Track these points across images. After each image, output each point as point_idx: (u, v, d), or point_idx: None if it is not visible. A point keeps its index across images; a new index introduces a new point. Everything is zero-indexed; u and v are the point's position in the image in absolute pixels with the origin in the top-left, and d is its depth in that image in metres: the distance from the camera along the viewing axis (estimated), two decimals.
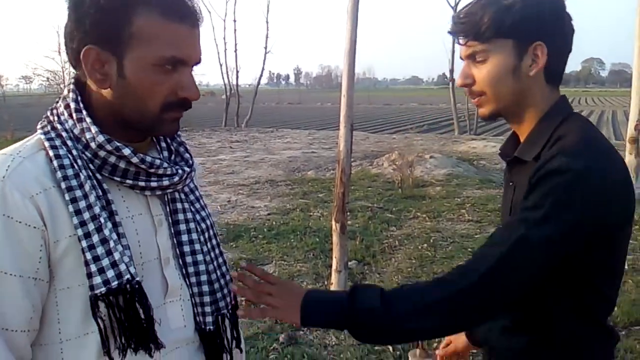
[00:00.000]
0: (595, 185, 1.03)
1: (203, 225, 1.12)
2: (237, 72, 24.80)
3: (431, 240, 5.82)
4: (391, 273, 4.81)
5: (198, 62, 1.00)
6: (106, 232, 0.92)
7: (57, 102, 1.01)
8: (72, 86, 1.00)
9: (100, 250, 0.91)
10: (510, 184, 1.24)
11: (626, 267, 4.83)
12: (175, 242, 1.07)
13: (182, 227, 1.08)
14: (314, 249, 5.44)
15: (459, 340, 1.57)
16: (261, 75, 24.98)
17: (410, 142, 11.00)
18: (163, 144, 1.10)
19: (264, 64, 23.72)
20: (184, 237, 1.08)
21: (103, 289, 0.91)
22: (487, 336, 1.30)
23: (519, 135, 1.23)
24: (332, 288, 4.22)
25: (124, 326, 0.94)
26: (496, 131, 23.76)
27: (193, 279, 1.08)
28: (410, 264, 5.07)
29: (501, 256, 1.05)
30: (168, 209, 1.07)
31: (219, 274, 1.12)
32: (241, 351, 1.21)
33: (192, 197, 1.13)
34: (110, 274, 0.92)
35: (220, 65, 24.39)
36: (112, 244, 0.92)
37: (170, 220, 1.07)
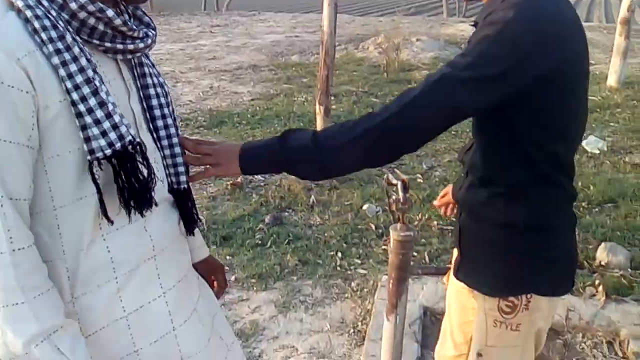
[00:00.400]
0: (521, 35, 1.06)
1: (163, 91, 1.12)
2: None
3: None
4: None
5: None
6: (103, 95, 0.91)
7: None
8: None
9: (99, 113, 0.90)
10: None
11: (605, 148, 4.94)
12: (145, 106, 1.07)
13: (151, 91, 1.08)
14: None
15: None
16: None
17: (397, 25, 10.60)
18: (122, 7, 1.03)
19: None
20: (154, 102, 1.08)
21: (108, 151, 0.91)
22: (457, 193, 1.39)
23: None
24: None
25: (126, 187, 0.95)
26: None
27: (165, 142, 1.10)
28: None
29: (420, 90, 1.11)
30: (135, 74, 1.05)
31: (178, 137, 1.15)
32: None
33: (149, 62, 1.12)
34: (112, 136, 0.91)
35: None
36: (110, 107, 0.91)
37: (139, 85, 1.06)
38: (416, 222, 3.58)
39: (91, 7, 0.90)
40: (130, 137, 0.93)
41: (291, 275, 3.07)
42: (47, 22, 0.87)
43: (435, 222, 3.59)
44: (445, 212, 1.74)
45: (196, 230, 1.27)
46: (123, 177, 0.94)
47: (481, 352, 1.35)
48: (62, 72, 0.87)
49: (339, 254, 3.25)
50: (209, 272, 1.36)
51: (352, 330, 2.61)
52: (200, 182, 4.45)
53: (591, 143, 5.00)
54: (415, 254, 3.21)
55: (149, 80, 1.07)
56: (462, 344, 1.42)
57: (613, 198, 3.91)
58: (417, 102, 1.11)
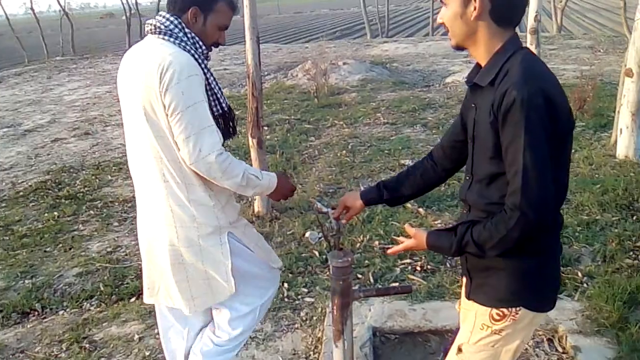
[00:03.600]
0: (541, 105, 1.32)
1: None
2: None
3: (349, 147, 5.93)
4: (313, 182, 4.91)
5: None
6: (219, 87, 1.98)
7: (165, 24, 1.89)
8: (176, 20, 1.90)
9: (220, 93, 1.96)
10: (473, 105, 1.52)
11: None
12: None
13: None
14: None
15: (355, 204, 1.90)
16: None
17: (323, 50, 10.82)
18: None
19: None
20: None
21: (222, 110, 1.98)
22: (465, 195, 1.61)
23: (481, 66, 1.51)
24: (256, 202, 4.28)
25: (231, 124, 2.06)
26: (407, 32, 23.84)
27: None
28: (331, 172, 5.18)
29: (526, 184, 1.34)
30: None
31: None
32: None
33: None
34: (225, 104, 1.99)
35: None
36: (222, 92, 1.99)
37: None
38: (358, 244, 3.64)
39: (206, 51, 1.94)
40: (228, 104, 2.02)
41: None
42: (201, 59, 1.88)
43: (376, 242, 3.66)
44: (339, 216, 1.96)
45: None
46: (221, 123, 1.97)
47: (462, 348, 1.61)
48: (208, 79, 1.90)
49: (285, 285, 3.26)
50: None
51: None
52: None
53: None
54: (359, 275, 3.26)
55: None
56: None
57: None
58: (530, 197, 1.34)
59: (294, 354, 2.67)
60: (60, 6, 22.66)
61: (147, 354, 2.74)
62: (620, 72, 5.14)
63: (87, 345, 2.85)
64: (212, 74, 1.91)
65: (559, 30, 17.28)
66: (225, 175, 1.84)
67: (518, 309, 1.51)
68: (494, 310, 1.53)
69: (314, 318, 2.93)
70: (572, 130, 1.44)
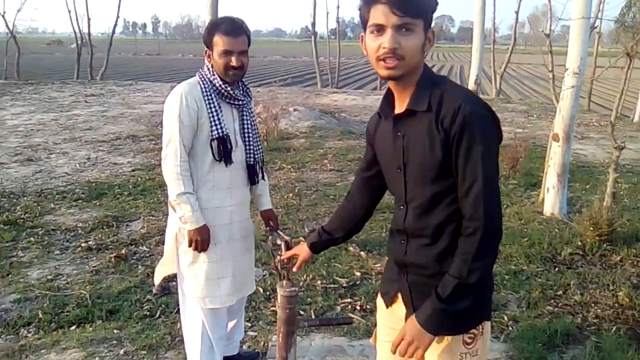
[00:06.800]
0: (491, 118, 1.47)
1: (253, 123, 2.56)
2: (89, 19, 22.96)
3: (296, 190, 6.11)
4: (259, 222, 5.00)
5: (242, 50, 2.38)
6: (218, 117, 2.38)
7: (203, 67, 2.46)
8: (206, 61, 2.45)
9: (217, 122, 2.36)
10: (399, 134, 1.54)
11: None
12: (242, 126, 2.51)
13: (246, 120, 2.52)
14: None
15: (302, 250, 1.96)
16: (116, 24, 23.34)
17: (274, 95, 11.11)
18: (232, 85, 2.45)
19: (118, 10, 22.12)
20: (246, 124, 2.52)
21: (217, 135, 2.36)
22: (403, 258, 1.60)
23: (395, 96, 1.58)
24: None
25: (224, 151, 2.39)
26: (356, 85, 24.67)
27: (247, 141, 2.51)
28: (277, 213, 5.26)
29: (487, 193, 1.41)
30: (240, 113, 2.51)
31: (257, 141, 2.57)
32: (264, 180, 2.68)
33: (249, 109, 2.55)
34: (220, 131, 2.37)
35: (69, 11, 22.42)
36: (220, 121, 2.38)
37: (241, 117, 2.51)
38: (302, 283, 3.77)
39: (222, 86, 2.40)
40: (225, 132, 2.38)
41: (182, 344, 3.08)
42: (206, 91, 2.39)
43: (319, 282, 3.80)
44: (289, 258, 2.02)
45: (264, 190, 2.70)
46: (222, 147, 2.38)
47: None
48: (208, 107, 2.37)
49: None
50: (268, 217, 2.70)
51: None
52: (81, 256, 4.32)
53: None
54: (302, 312, 3.38)
55: (246, 116, 2.52)
56: None
57: None
58: (490, 208, 1.42)
59: None
60: (9, 29, 22.17)
61: None
62: (549, 136, 5.59)
63: None
64: (216, 104, 2.37)
65: (497, 94, 18.41)
66: (169, 185, 2.34)
67: (483, 323, 1.54)
68: (466, 336, 1.52)
69: (257, 351, 3.01)
70: None
